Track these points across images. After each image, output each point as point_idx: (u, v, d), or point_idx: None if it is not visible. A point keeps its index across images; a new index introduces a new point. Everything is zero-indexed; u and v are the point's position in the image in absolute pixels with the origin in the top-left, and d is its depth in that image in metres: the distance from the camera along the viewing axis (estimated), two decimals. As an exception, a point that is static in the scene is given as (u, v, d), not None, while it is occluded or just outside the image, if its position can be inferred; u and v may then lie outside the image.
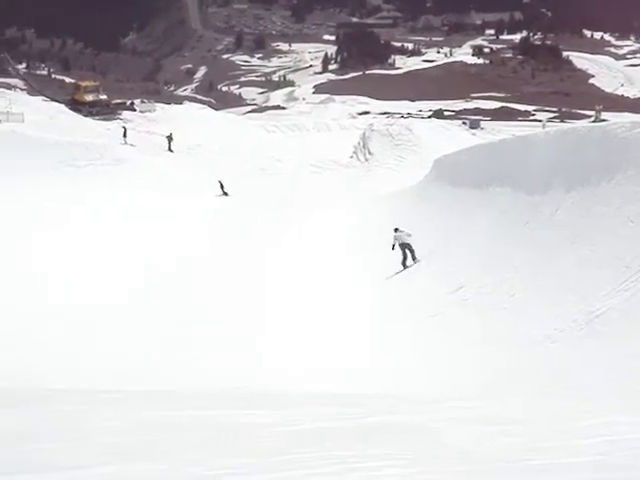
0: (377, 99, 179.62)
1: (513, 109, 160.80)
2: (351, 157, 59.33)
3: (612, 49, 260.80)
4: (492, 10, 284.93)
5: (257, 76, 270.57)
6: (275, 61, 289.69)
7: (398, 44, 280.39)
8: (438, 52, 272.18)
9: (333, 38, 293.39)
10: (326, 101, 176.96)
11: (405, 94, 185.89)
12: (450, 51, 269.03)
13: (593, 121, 75.49)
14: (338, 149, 58.80)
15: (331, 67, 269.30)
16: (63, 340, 18.25)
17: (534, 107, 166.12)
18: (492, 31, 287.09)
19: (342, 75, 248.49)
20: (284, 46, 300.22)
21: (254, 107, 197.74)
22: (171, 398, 9.84)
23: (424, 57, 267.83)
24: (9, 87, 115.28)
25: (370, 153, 58.53)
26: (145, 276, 25.65)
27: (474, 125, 74.01)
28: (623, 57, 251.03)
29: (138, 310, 21.59)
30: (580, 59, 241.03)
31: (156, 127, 65.32)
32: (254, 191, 45.00)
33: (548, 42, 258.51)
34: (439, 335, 16.98)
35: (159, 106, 79.11)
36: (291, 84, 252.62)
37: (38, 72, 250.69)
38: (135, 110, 75.06)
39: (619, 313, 12.99)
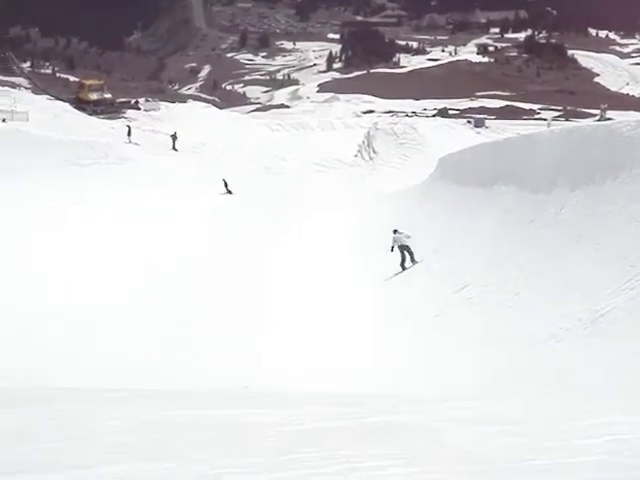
0: (382, 98, 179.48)
1: (518, 108, 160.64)
2: (355, 156, 59.33)
3: (617, 47, 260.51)
4: (497, 8, 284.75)
5: (261, 75, 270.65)
6: (279, 60, 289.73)
7: (403, 43, 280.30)
8: (443, 51, 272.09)
9: (337, 37, 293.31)
10: (330, 100, 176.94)
11: (410, 93, 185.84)
12: (455, 50, 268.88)
13: (598, 120, 75.43)
14: (342, 148, 58.78)
15: (335, 66, 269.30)
16: (63, 340, 18.22)
17: (539, 106, 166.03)
18: (497, 29, 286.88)
19: (346, 74, 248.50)
20: (288, 45, 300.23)
21: (258, 106, 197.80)
22: (176, 397, 9.82)
23: (429, 56, 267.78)
24: (14, 86, 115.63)
25: (374, 152, 58.53)
26: (145, 276, 25.62)
27: (479, 124, 73.98)
28: (628, 55, 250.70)
29: (138, 310, 21.56)
30: (585, 57, 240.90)
31: (160, 126, 65.37)
32: (258, 190, 45.00)
33: (553, 40, 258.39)
34: (441, 335, 16.96)
35: (163, 105, 79.15)
36: (295, 83, 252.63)
37: (42, 71, 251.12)
38: (139, 109, 75.09)
39: (624, 312, 12.95)
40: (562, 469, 4.81)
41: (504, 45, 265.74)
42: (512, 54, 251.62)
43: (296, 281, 24.92)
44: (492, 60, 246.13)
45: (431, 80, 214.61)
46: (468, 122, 76.37)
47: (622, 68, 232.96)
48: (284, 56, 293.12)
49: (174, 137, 57.94)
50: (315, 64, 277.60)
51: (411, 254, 24.63)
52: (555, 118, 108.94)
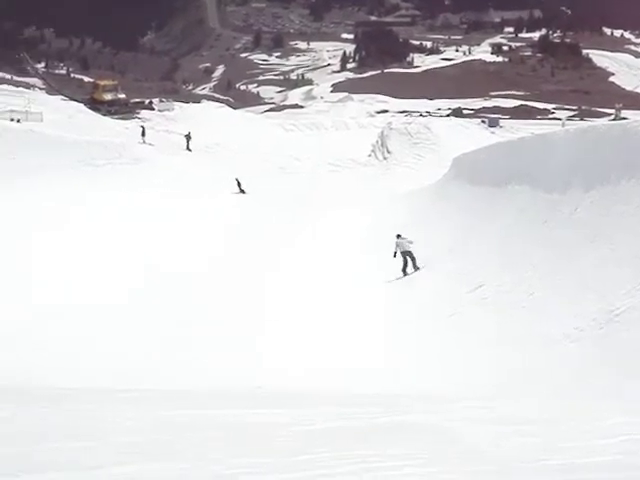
0: (395, 97, 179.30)
1: (532, 107, 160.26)
2: (369, 156, 59.27)
3: (632, 47, 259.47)
4: (511, 8, 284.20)
5: (275, 75, 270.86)
6: (293, 60, 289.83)
7: (417, 42, 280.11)
8: (457, 50, 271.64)
9: (351, 36, 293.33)
10: (344, 100, 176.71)
11: (424, 92, 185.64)
12: (469, 49, 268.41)
13: (613, 119, 75.16)
14: (356, 148, 58.73)
15: (349, 66, 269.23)
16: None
17: (553, 105, 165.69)
18: (511, 29, 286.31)
19: (360, 74, 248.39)
20: (302, 45, 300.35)
21: (272, 106, 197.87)
22: (186, 397, 9.85)
23: (443, 55, 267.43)
24: (28, 86, 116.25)
25: (388, 152, 58.48)
26: (163, 277, 25.55)
27: (493, 123, 73.82)
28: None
29: (162, 311, 21.54)
30: (600, 57, 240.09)
31: (174, 126, 65.45)
32: (272, 190, 45.00)
33: (567, 40, 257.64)
34: (456, 334, 16.93)
35: (177, 105, 79.33)
36: (309, 83, 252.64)
37: (57, 71, 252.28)
38: (153, 109, 75.33)
39: (639, 312, 12.91)
40: (576, 469, 4.80)
41: (518, 45, 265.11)
42: (526, 54, 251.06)
43: (310, 280, 24.89)
44: (506, 60, 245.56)
45: (445, 80, 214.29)
46: (482, 122, 76.18)
47: (637, 67, 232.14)
48: (298, 56, 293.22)
49: (188, 137, 57.98)
50: (329, 64, 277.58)
51: (413, 260, 24.56)
52: (570, 118, 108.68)
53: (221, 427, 6.67)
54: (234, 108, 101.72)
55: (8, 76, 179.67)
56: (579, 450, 5.36)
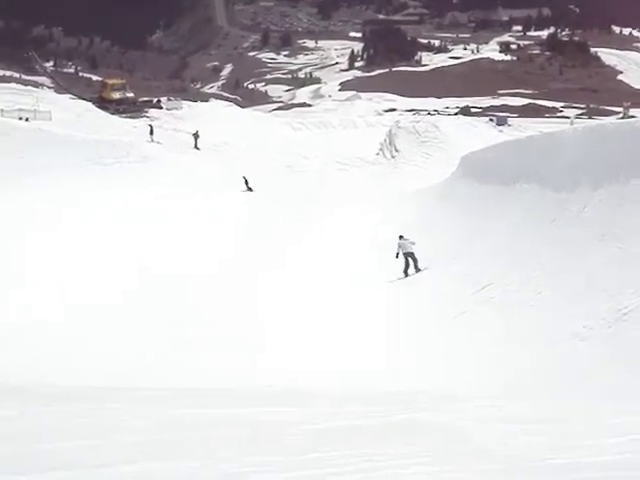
0: (403, 96, 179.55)
1: (540, 106, 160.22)
2: (377, 154, 59.25)
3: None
4: (519, 6, 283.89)
5: (283, 73, 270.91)
6: (301, 58, 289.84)
7: (425, 41, 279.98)
8: (465, 49, 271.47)
9: (359, 35, 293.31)
10: (352, 98, 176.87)
11: (432, 91, 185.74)
12: (477, 48, 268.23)
13: (621, 117, 75.06)
14: (364, 146, 58.71)
15: (357, 64, 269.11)
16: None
17: (562, 104, 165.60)
18: (519, 27, 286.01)
19: (368, 72, 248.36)
20: (310, 43, 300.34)
21: (280, 104, 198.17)
22: (194, 395, 9.85)
23: (451, 54, 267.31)
24: (37, 85, 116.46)
25: (396, 150, 58.44)
26: (181, 275, 25.58)
27: (501, 122, 73.73)
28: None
29: (165, 311, 21.50)
30: (608, 55, 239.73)
31: (182, 125, 65.53)
32: (280, 188, 45.00)
33: (576, 38, 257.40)
34: (465, 333, 16.90)
35: (185, 104, 79.41)
36: (317, 81, 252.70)
37: (65, 70, 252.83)
38: (161, 108, 75.40)
39: (647, 311, 12.89)
40: (584, 468, 4.80)
41: (526, 43, 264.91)
42: (535, 52, 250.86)
43: (317, 279, 24.86)
44: (514, 58, 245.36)
45: (453, 78, 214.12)
46: (490, 120, 76.11)
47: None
48: (306, 55, 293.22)
49: (196, 136, 58.06)
50: (337, 62, 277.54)
51: (415, 261, 24.56)
52: (578, 116, 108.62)
53: (230, 425, 6.68)
54: (242, 107, 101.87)
55: (17, 75, 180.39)
56: (587, 449, 5.35)
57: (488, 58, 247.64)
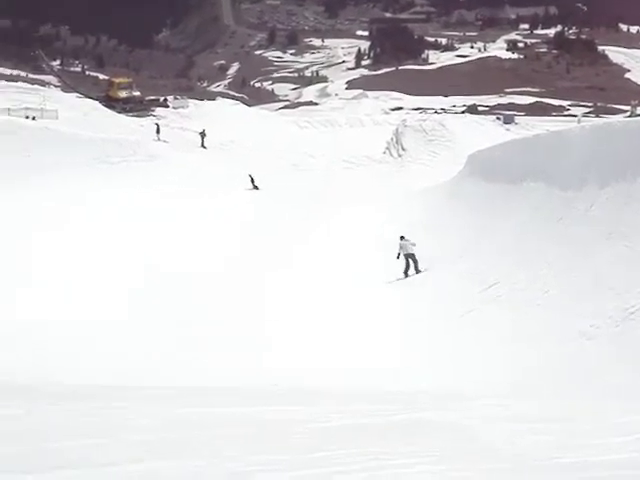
0: (410, 94, 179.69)
1: (547, 104, 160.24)
2: (384, 153, 59.19)
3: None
4: (526, 4, 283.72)
5: (290, 72, 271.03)
6: (308, 57, 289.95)
7: (431, 39, 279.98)
8: (472, 47, 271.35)
9: (366, 33, 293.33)
10: (359, 97, 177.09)
11: (438, 89, 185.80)
12: (484, 46, 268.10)
13: (629, 116, 74.96)
14: (371, 145, 58.67)
15: (364, 62, 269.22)
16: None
17: (569, 102, 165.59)
18: (526, 25, 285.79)
19: (375, 70, 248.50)
20: (317, 42, 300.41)
21: (287, 103, 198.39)
22: (200, 394, 9.85)
23: (457, 52, 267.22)
24: (43, 84, 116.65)
25: (403, 149, 58.38)
26: (189, 274, 25.62)
27: (508, 120, 73.70)
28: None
29: (167, 310, 21.51)
30: (616, 53, 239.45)
31: (189, 123, 65.57)
32: (286, 187, 44.99)
33: (583, 36, 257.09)
34: (472, 332, 16.88)
35: (192, 102, 79.40)
36: (324, 80, 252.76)
37: (72, 69, 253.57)
38: (168, 106, 75.39)
39: (655, 310, 12.87)
40: (591, 467, 4.78)
41: (534, 41, 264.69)
42: (542, 50, 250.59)
43: (323, 278, 24.86)
44: (521, 56, 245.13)
45: (460, 77, 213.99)
46: (497, 119, 76.10)
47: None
48: (312, 53, 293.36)
49: (202, 134, 58.11)
50: (343, 61, 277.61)
51: (415, 262, 24.58)
52: (585, 114, 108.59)
53: (236, 424, 6.68)
54: (249, 105, 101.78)
55: (23, 74, 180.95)
56: (594, 448, 5.34)
57: (495, 56, 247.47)
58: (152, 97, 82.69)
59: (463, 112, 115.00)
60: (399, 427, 6.56)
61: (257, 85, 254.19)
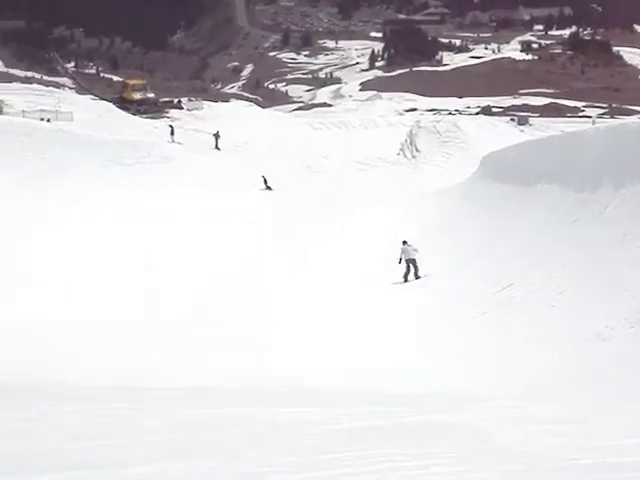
0: (424, 96, 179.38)
1: (562, 105, 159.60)
2: (398, 154, 59.18)
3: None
4: (541, 5, 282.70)
5: (304, 73, 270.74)
6: (322, 58, 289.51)
7: (445, 40, 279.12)
8: (486, 48, 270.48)
9: (380, 35, 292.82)
10: (373, 98, 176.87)
11: (452, 91, 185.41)
12: (498, 47, 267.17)
13: (644, 117, 74.63)
14: (385, 146, 58.68)
15: (378, 64, 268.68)
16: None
17: (583, 103, 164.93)
18: (541, 26, 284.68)
19: (389, 72, 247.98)
20: (331, 43, 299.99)
21: (301, 105, 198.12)
22: (206, 394, 9.85)
23: (472, 53, 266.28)
24: (58, 86, 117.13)
25: (417, 150, 58.37)
26: (209, 275, 25.71)
27: (522, 122, 73.52)
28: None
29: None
30: (631, 54, 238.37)
31: (203, 125, 65.66)
32: (301, 188, 45.04)
33: (598, 37, 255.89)
34: (486, 333, 16.86)
35: (206, 104, 79.57)
36: (338, 81, 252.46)
37: (86, 71, 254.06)
38: (182, 108, 75.55)
39: (670, 311, 12.83)
40: (608, 469, 4.76)
41: (548, 42, 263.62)
42: (556, 51, 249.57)
43: (337, 279, 24.91)
44: (536, 57, 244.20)
45: (474, 78, 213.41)
46: (511, 120, 75.94)
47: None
48: (326, 55, 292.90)
49: (217, 136, 58.20)
50: (357, 62, 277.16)
51: (416, 268, 24.69)
52: (600, 115, 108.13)
53: (248, 425, 6.68)
54: (263, 107, 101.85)
55: (38, 76, 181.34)
56: (610, 449, 5.32)
57: (509, 57, 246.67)
58: (166, 99, 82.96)
59: (477, 113, 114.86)
60: (412, 429, 6.55)
61: (271, 87, 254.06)
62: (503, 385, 12.55)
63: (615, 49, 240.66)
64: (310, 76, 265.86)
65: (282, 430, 6.43)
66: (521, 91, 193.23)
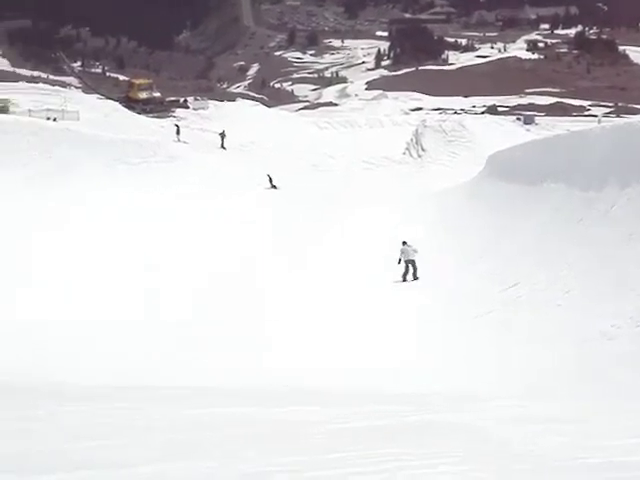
0: (430, 95, 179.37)
1: (568, 104, 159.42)
2: (404, 153, 59.16)
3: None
4: (547, 4, 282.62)
5: (309, 73, 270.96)
6: (328, 58, 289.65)
7: (451, 40, 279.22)
8: (492, 47, 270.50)
9: (386, 34, 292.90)
10: (379, 97, 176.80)
11: (458, 90, 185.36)
12: (504, 46, 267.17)
13: (650, 116, 74.53)
14: (390, 145, 58.65)
15: (384, 63, 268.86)
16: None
17: (589, 102, 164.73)
18: (547, 26, 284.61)
19: (395, 71, 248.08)
20: (337, 42, 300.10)
21: (306, 104, 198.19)
22: (206, 394, 9.85)
23: (477, 53, 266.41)
24: (64, 85, 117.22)
25: (423, 149, 58.34)
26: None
27: (528, 121, 73.44)
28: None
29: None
30: (636, 53, 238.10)
31: (209, 124, 65.69)
32: (306, 188, 45.03)
33: (604, 36, 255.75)
34: (487, 333, 16.84)
35: (212, 103, 79.53)
36: (343, 80, 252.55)
37: (93, 70, 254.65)
38: (188, 107, 75.54)
39: (676, 310, 12.81)
40: (615, 468, 4.76)
41: (554, 41, 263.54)
42: (562, 50, 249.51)
43: (337, 279, 24.88)
44: (542, 56, 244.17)
45: (480, 77, 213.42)
46: (517, 119, 75.87)
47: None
48: (332, 54, 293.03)
49: (222, 135, 58.21)
50: (363, 62, 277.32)
51: (415, 269, 24.66)
52: (606, 114, 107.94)
53: (248, 425, 6.69)
54: (268, 106, 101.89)
55: (44, 75, 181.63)
56: (615, 449, 5.31)
57: (515, 57, 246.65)
58: (172, 98, 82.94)
59: (483, 112, 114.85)
60: (414, 428, 6.55)
61: (277, 86, 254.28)
62: (503, 385, 12.53)
63: (621, 48, 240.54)
64: (316, 75, 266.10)
65: (282, 430, 6.43)
66: (527, 90, 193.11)
